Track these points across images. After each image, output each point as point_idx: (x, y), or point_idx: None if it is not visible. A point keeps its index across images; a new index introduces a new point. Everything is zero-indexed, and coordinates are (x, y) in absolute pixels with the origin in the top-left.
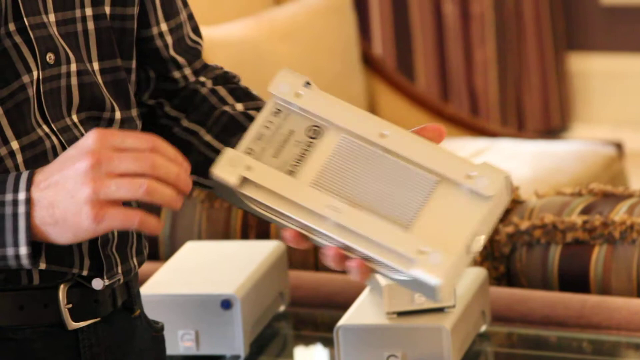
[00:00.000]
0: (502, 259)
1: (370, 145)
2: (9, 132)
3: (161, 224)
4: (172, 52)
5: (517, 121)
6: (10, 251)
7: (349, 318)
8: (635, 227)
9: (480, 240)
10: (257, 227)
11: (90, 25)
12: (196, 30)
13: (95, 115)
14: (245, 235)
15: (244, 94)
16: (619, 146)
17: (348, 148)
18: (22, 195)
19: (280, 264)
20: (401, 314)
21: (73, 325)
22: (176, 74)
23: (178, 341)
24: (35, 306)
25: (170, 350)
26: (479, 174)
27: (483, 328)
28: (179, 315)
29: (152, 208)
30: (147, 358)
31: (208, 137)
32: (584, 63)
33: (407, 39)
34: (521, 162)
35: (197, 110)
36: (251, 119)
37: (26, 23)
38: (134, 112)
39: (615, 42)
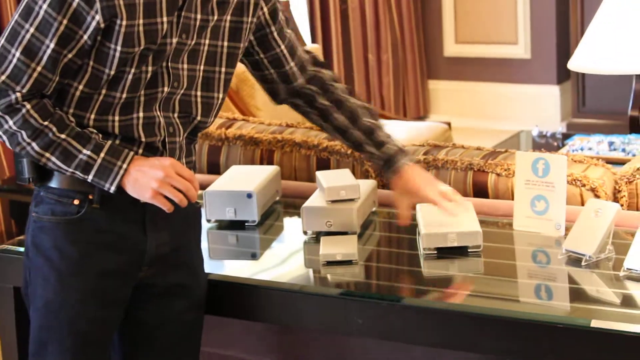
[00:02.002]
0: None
1: None
2: (140, 109)
3: (172, 208)
4: (295, 71)
5: (402, 110)
6: (107, 185)
7: (308, 203)
8: (448, 161)
9: None
10: (267, 161)
11: (201, 73)
12: (305, 49)
13: (185, 115)
14: (261, 164)
15: (344, 90)
16: (448, 124)
17: None
18: (125, 166)
19: (277, 177)
20: (334, 201)
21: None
22: (297, 83)
23: (225, 213)
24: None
25: (223, 217)
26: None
27: (374, 208)
28: (227, 200)
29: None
30: (192, 219)
31: (339, 117)
32: (436, 84)
33: (351, 72)
34: (401, 132)
35: (327, 94)
36: (362, 112)
37: (170, 64)
38: (212, 119)
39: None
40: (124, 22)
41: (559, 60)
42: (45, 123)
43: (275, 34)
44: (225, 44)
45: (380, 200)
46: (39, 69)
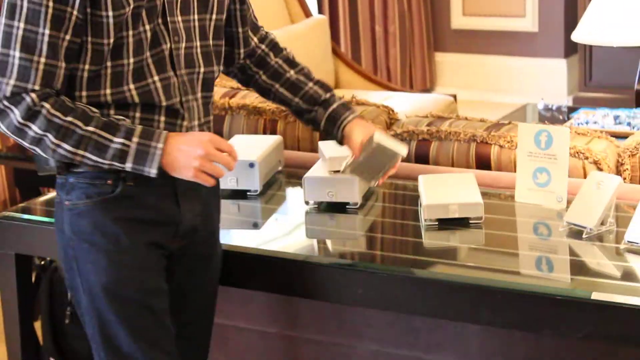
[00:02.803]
0: None
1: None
2: (154, 72)
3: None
4: (249, 33)
5: (409, 82)
6: (146, 170)
7: (310, 173)
8: (452, 132)
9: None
10: (271, 130)
11: (197, 23)
12: (254, 14)
13: (191, 70)
14: (265, 133)
15: (291, 63)
16: (454, 97)
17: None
18: (160, 145)
19: (280, 146)
20: (336, 172)
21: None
22: (251, 44)
23: (227, 182)
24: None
25: (225, 186)
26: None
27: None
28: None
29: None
30: (215, 188)
31: (281, 90)
32: (443, 57)
33: (358, 44)
34: (407, 102)
35: (269, 71)
36: (300, 81)
37: (168, 19)
38: (216, 68)
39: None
40: None
41: (566, 33)
42: (69, 119)
43: None
44: None
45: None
46: (42, 60)
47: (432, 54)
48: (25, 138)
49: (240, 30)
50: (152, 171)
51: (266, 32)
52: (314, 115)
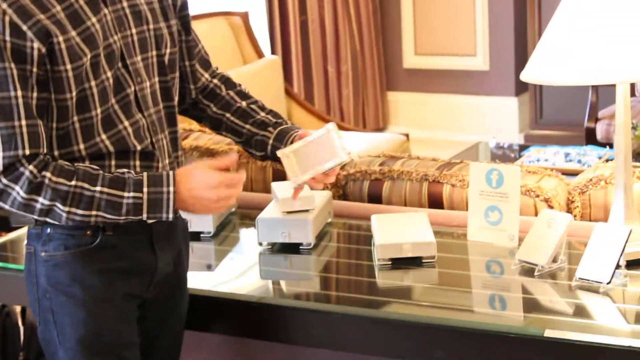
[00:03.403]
0: (340, 187)
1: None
2: (122, 118)
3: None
4: (198, 67)
5: (362, 122)
6: (164, 216)
7: (263, 214)
8: (404, 172)
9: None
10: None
11: (155, 59)
12: (205, 50)
13: (157, 109)
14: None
15: (243, 95)
16: (407, 135)
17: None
18: (171, 189)
19: None
20: (290, 212)
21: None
22: (202, 80)
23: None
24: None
25: None
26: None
27: (329, 220)
28: (182, 211)
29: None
30: (182, 238)
31: (232, 118)
32: (395, 96)
33: (311, 84)
34: (359, 142)
35: (220, 102)
36: (252, 109)
37: (128, 62)
38: (176, 102)
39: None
40: (61, 38)
41: (516, 71)
42: (74, 183)
43: (189, 18)
44: (163, 24)
45: (336, 212)
46: (23, 122)
47: (384, 93)
48: (34, 211)
49: (187, 63)
50: (169, 216)
51: (218, 69)
52: (262, 136)
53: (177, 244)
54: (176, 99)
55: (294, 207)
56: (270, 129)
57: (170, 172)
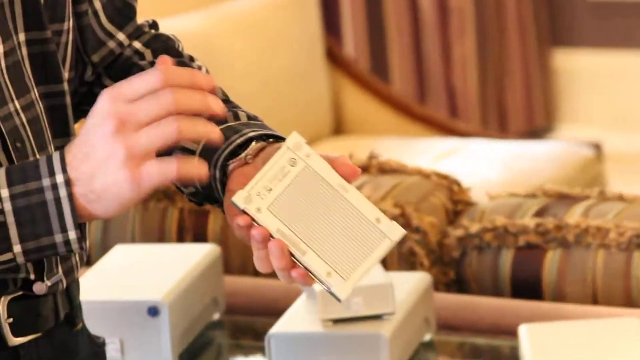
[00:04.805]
0: (451, 263)
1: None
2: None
3: (204, 166)
4: (103, 20)
5: (498, 122)
6: (58, 238)
7: (281, 325)
8: (590, 230)
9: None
10: (194, 229)
11: None
12: None
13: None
14: (181, 239)
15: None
16: (598, 147)
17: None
18: (60, 178)
19: (215, 268)
20: (337, 321)
21: (14, 341)
22: (111, 44)
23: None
24: None
25: None
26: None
27: (427, 336)
28: (102, 323)
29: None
30: None
31: None
32: (569, 60)
33: (381, 37)
34: (493, 164)
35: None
36: None
37: None
38: (61, 85)
39: (602, 38)
40: None
41: None
42: None
43: None
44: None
45: (440, 316)
46: None
47: (545, 53)
48: None
49: (85, 9)
50: (71, 235)
51: (152, 25)
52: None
53: None
54: (66, 76)
55: (349, 311)
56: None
57: (56, 153)
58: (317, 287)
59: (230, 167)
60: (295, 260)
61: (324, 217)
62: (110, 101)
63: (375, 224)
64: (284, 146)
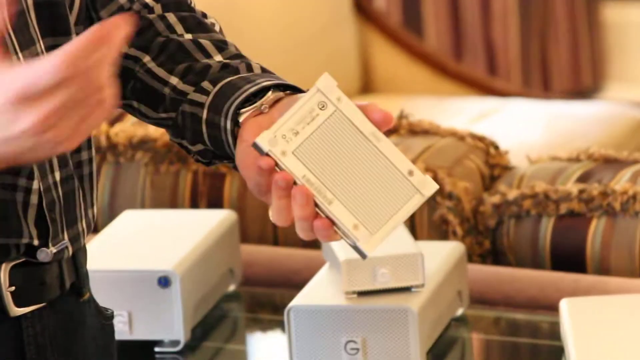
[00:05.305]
0: (487, 233)
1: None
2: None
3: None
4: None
5: (541, 81)
6: None
7: (302, 298)
8: (638, 197)
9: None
10: (208, 194)
11: None
12: None
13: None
14: (194, 204)
15: (195, 24)
16: None
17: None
18: None
19: (231, 236)
20: (362, 293)
21: (16, 311)
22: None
23: None
24: None
25: None
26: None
27: (460, 311)
28: (109, 294)
29: None
30: (95, 349)
31: (151, 64)
32: (620, 13)
33: None
34: (534, 125)
35: (140, 36)
36: (201, 48)
37: None
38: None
39: None
40: None
41: None
42: None
43: None
44: None
45: (474, 290)
46: None
47: (594, 6)
48: None
49: None
50: None
51: None
52: (194, 104)
53: (77, 346)
54: (73, 30)
55: (375, 282)
56: (212, 86)
57: None
58: (340, 255)
59: (243, 116)
60: (319, 211)
61: (353, 166)
62: (14, 102)
63: (407, 177)
64: (313, 88)
